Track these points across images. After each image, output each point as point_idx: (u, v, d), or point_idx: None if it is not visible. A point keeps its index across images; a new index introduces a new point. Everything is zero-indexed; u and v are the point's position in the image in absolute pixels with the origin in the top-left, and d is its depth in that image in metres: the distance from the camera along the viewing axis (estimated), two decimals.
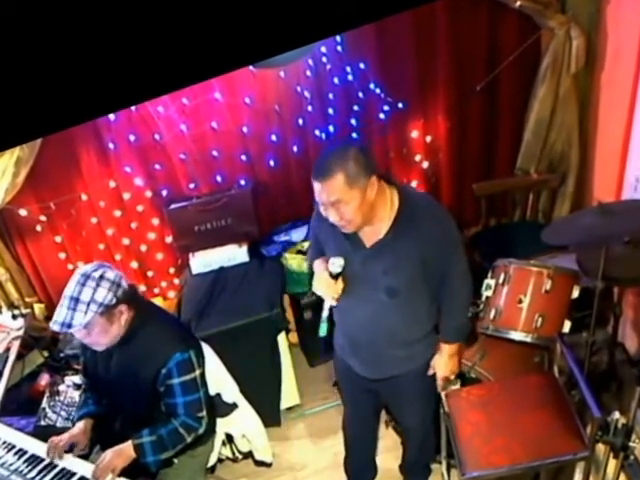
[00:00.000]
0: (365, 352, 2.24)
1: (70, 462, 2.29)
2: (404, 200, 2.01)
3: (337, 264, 2.03)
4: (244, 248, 3.47)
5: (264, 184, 3.59)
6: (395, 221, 1.99)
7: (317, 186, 1.90)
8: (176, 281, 3.82)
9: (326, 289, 2.05)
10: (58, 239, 3.52)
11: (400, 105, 3.52)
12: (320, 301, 2.11)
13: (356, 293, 2.11)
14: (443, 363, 2.27)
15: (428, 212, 2.03)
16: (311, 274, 2.23)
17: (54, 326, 2.06)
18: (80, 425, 2.37)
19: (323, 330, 2.08)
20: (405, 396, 2.37)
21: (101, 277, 2.09)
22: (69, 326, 2.04)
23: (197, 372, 2.26)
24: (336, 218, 1.94)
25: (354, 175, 1.86)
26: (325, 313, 2.08)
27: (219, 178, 3.54)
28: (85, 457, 2.37)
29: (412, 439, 2.61)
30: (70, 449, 2.32)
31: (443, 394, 2.35)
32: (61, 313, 2.05)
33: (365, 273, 2.05)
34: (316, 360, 3.64)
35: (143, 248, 3.68)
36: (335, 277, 2.04)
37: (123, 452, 2.21)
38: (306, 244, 3.40)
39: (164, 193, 3.53)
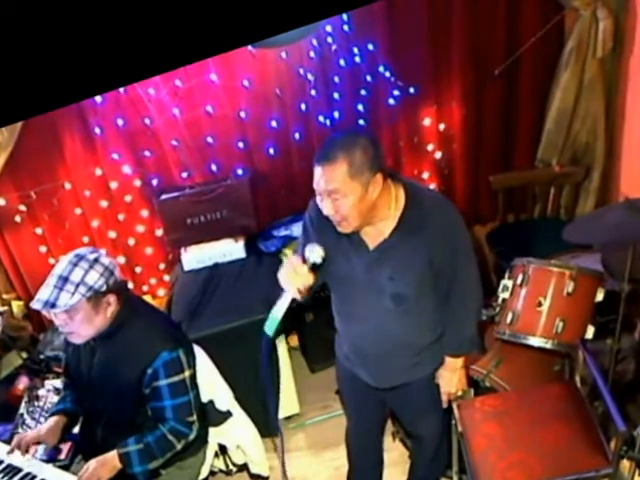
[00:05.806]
0: (372, 362, 2.24)
1: (50, 473, 2.30)
2: (411, 199, 1.99)
3: (317, 253, 1.89)
4: (240, 243, 3.47)
5: (263, 174, 3.59)
6: (400, 221, 1.98)
7: (318, 171, 1.89)
8: (166, 278, 3.82)
9: (293, 276, 1.88)
10: (39, 231, 3.52)
11: (411, 90, 3.51)
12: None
13: (360, 301, 2.11)
14: (447, 377, 2.27)
15: (436, 212, 2.01)
16: None
17: (36, 304, 2.06)
18: (51, 422, 2.35)
19: (271, 327, 1.86)
20: (416, 405, 2.38)
21: (95, 260, 2.12)
22: (53, 305, 2.04)
23: (186, 373, 2.25)
24: (331, 211, 1.91)
25: (359, 166, 1.85)
26: (281, 309, 1.86)
27: (214, 167, 3.53)
28: (66, 468, 2.37)
29: (423, 451, 2.61)
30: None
31: (455, 404, 2.35)
32: (46, 291, 2.06)
33: (370, 280, 2.04)
34: (317, 365, 3.64)
35: (131, 242, 3.68)
36: (311, 268, 1.89)
37: (108, 462, 2.20)
38: None
39: (154, 182, 3.53)
